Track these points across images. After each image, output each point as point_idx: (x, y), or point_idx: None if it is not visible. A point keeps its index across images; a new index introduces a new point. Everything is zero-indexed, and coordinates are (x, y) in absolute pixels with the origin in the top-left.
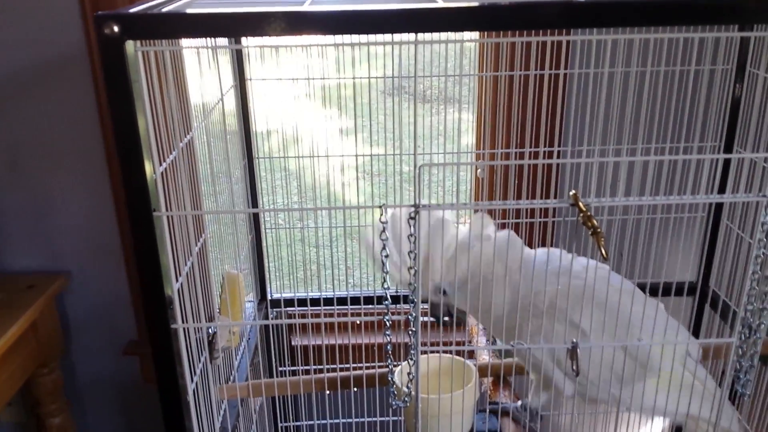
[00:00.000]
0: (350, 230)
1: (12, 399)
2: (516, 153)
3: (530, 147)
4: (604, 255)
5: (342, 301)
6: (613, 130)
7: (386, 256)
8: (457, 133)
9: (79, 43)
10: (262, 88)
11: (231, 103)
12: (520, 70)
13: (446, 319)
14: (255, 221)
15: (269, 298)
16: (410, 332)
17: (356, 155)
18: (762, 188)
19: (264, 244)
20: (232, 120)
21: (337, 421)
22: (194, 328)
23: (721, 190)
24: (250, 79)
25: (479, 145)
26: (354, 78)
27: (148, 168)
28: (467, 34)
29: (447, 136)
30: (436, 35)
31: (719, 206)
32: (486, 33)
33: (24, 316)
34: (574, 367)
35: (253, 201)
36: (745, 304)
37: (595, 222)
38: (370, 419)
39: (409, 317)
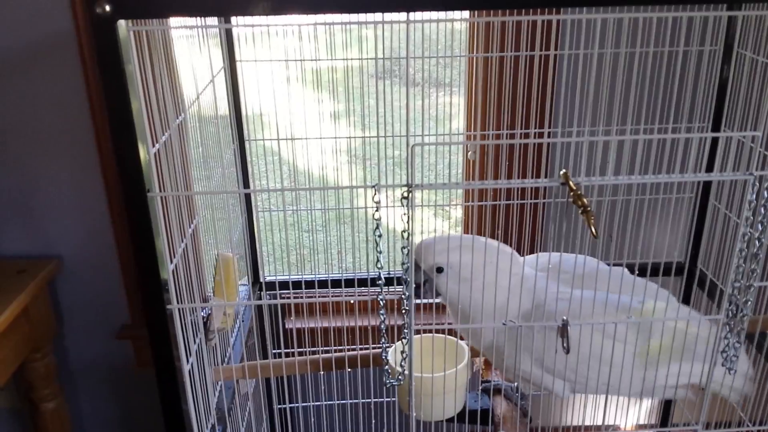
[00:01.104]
0: (342, 213)
1: (5, 384)
2: (506, 134)
3: (521, 128)
4: (594, 234)
5: (336, 283)
6: (602, 112)
7: (380, 236)
8: (447, 117)
9: (67, 24)
10: (253, 71)
11: (222, 86)
12: (511, 51)
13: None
14: (247, 204)
15: (263, 280)
16: (404, 310)
17: (348, 137)
18: (749, 167)
19: (256, 227)
20: (222, 102)
21: (331, 402)
22: (189, 310)
23: (709, 170)
24: (240, 61)
25: (470, 127)
26: (345, 59)
27: (141, 149)
28: (458, 13)
29: (437, 119)
30: (427, 15)
31: (707, 187)
32: (476, 12)
33: (16, 301)
34: (565, 345)
35: (245, 184)
36: (732, 281)
37: (585, 201)
38: (364, 400)
39: (403, 296)
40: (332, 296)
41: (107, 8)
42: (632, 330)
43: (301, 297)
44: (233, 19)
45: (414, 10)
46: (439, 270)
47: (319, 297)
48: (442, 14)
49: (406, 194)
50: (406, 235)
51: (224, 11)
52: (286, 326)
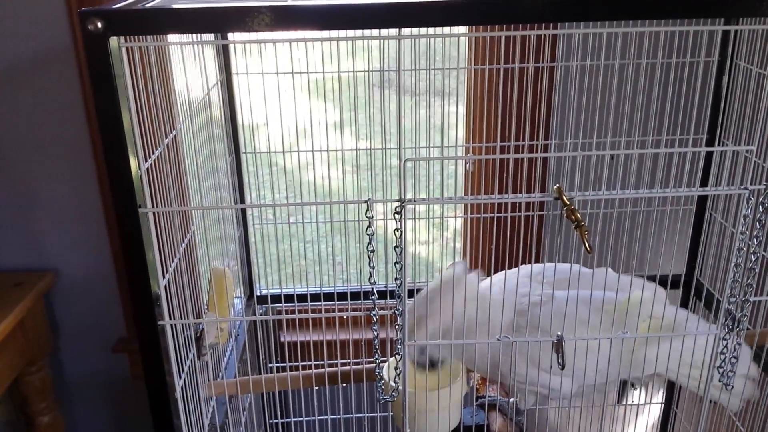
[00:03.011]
0: (338, 225)
1: (1, 398)
2: (504, 146)
3: (518, 140)
4: (588, 248)
5: (330, 296)
6: (601, 123)
7: (372, 251)
8: (445, 126)
9: (65, 37)
10: (249, 81)
11: (217, 98)
12: (508, 63)
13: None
14: (243, 217)
15: (257, 294)
16: (397, 326)
17: (343, 150)
18: (743, 181)
19: (252, 239)
20: (218, 115)
21: (326, 417)
22: (182, 325)
23: (705, 181)
24: (237, 74)
25: (468, 138)
26: (340, 72)
27: (133, 164)
28: (454, 28)
29: (436, 128)
30: (422, 30)
31: (704, 197)
32: (473, 27)
33: (12, 314)
34: (560, 361)
35: (241, 196)
36: (728, 296)
37: (578, 215)
38: (359, 415)
39: (396, 312)
40: (325, 311)
41: (99, 25)
42: (608, 322)
43: (295, 311)
44: (229, 36)
45: (407, 26)
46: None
47: (312, 312)
48: (437, 29)
49: (398, 209)
50: (399, 250)
51: (218, 28)
52: (281, 339)
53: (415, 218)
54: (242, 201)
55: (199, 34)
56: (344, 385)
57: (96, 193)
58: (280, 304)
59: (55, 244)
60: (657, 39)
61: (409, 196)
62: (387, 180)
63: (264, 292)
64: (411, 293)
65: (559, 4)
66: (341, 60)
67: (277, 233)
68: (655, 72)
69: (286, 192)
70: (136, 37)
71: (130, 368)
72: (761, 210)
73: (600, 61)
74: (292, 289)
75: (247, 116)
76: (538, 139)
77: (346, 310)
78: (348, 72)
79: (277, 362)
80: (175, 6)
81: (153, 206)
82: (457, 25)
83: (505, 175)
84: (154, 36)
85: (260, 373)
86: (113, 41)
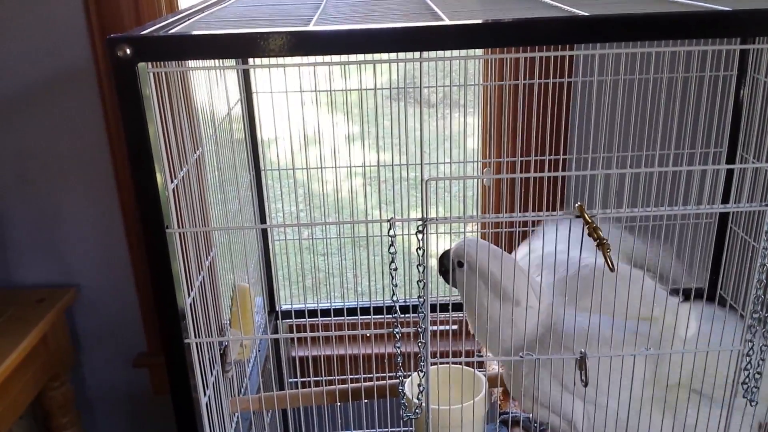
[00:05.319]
0: (358, 237)
1: (23, 412)
2: (522, 162)
3: (537, 155)
4: (610, 266)
5: (351, 311)
6: (621, 137)
7: (395, 269)
8: (462, 139)
9: (86, 57)
10: (269, 98)
11: (238, 116)
12: (525, 79)
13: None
14: (263, 232)
15: (279, 309)
16: (420, 344)
17: (363, 166)
18: (765, 196)
19: (272, 253)
20: (239, 134)
21: None
22: (207, 343)
23: (727, 193)
24: (257, 93)
25: (485, 153)
26: (360, 90)
27: (160, 186)
28: (471, 50)
29: (453, 141)
30: (440, 52)
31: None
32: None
33: (35, 330)
34: (583, 378)
35: (262, 212)
36: (751, 312)
37: (600, 233)
38: (380, 430)
39: (419, 329)
40: (348, 328)
41: (128, 51)
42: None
43: (317, 326)
44: (250, 60)
45: (426, 50)
46: (460, 264)
47: (335, 330)
48: (455, 51)
49: (420, 228)
50: (421, 269)
51: (241, 54)
52: (302, 354)
53: (436, 233)
54: (263, 216)
55: (222, 60)
56: (366, 401)
57: (117, 209)
58: (303, 320)
59: (76, 261)
60: (674, 53)
61: (430, 212)
62: (405, 192)
63: (286, 307)
64: (433, 308)
65: (576, 26)
66: (357, 72)
67: (295, 247)
68: (672, 85)
69: (305, 206)
70: (162, 62)
71: (150, 383)
72: None
73: (618, 75)
74: (315, 305)
75: (266, 133)
76: (557, 154)
77: (368, 325)
78: (368, 89)
79: (297, 377)
80: (199, 32)
81: (179, 226)
82: (476, 48)
83: (522, 190)
84: (179, 61)
85: (280, 388)
86: (141, 66)
